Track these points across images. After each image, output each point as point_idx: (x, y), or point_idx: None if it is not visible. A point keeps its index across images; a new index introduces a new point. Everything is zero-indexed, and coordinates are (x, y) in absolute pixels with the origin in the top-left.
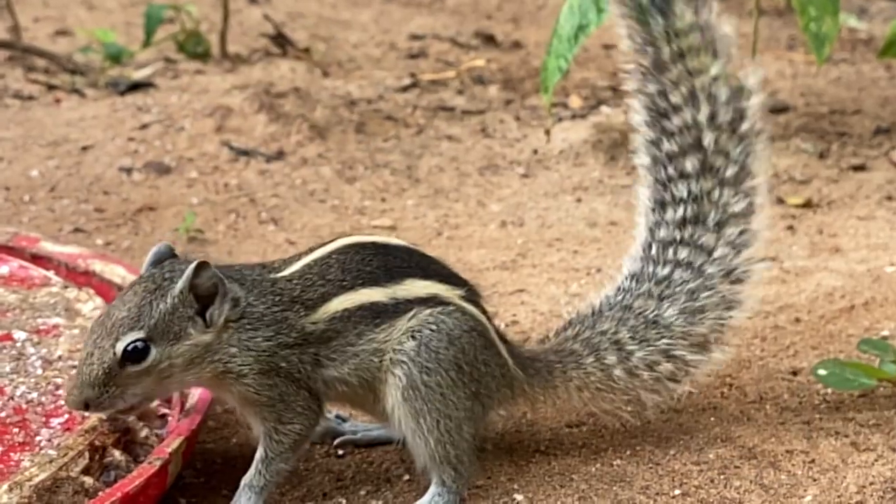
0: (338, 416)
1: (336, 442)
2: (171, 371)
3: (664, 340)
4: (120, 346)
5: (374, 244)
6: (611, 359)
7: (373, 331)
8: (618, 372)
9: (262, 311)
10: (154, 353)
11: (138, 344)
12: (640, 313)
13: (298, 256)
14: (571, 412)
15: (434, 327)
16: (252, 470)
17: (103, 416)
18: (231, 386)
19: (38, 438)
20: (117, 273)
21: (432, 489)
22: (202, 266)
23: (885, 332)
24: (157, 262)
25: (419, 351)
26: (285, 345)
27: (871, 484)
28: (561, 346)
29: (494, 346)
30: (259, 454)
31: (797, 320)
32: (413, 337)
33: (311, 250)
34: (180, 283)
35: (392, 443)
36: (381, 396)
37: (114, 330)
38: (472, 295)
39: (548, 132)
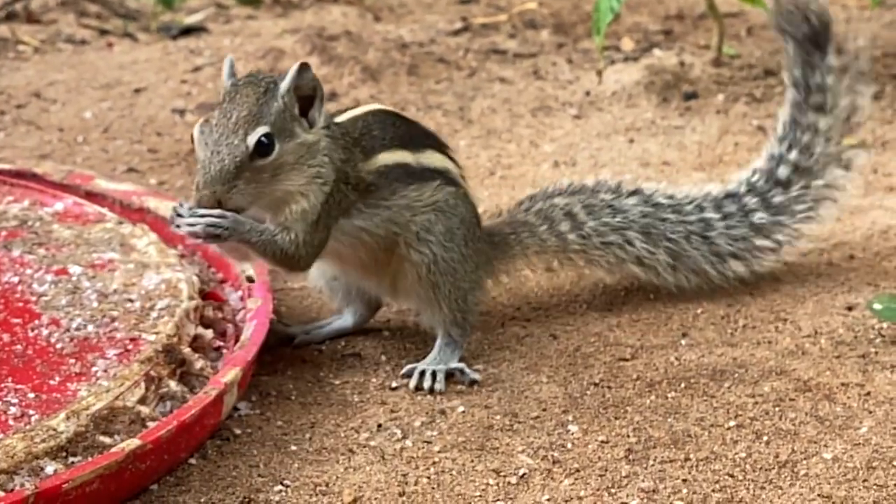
0: (280, 322)
1: (294, 343)
2: (282, 169)
3: (618, 218)
4: (252, 139)
5: (394, 113)
6: (564, 226)
7: (406, 188)
8: (572, 237)
9: (338, 134)
10: (277, 147)
11: (265, 138)
12: (597, 193)
13: (336, 112)
14: (623, 346)
15: (453, 210)
16: (255, 225)
17: (225, 214)
18: (300, 199)
19: (94, 369)
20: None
21: (440, 341)
22: (304, 67)
23: None
24: (233, 73)
25: (444, 231)
26: (346, 175)
27: None
28: (514, 219)
29: (480, 223)
30: (261, 227)
31: (852, 257)
32: (437, 216)
33: (346, 109)
34: (287, 83)
35: (347, 333)
36: (401, 266)
37: (239, 126)
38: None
39: (600, 73)
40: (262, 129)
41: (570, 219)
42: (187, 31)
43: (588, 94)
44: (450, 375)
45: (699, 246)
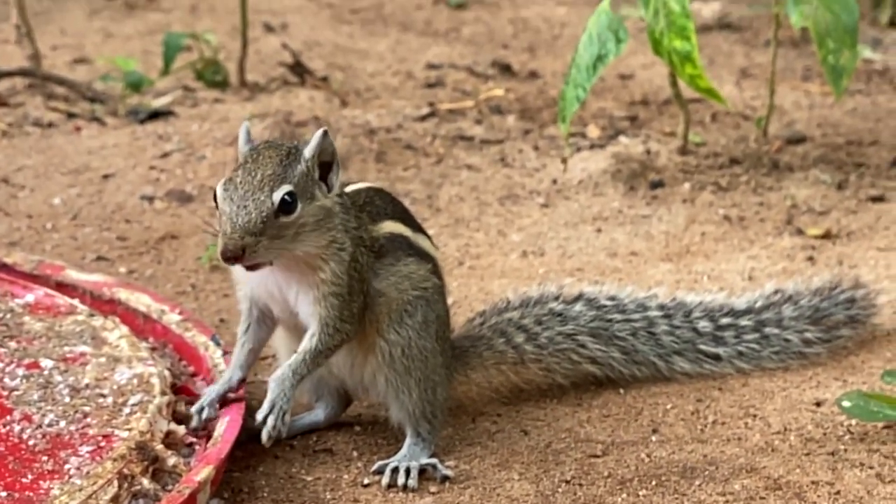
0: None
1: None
2: (304, 229)
3: (569, 326)
4: (277, 196)
5: (387, 192)
6: (519, 338)
7: (407, 259)
8: (528, 347)
9: (348, 202)
10: (299, 206)
11: (288, 196)
12: (545, 304)
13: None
14: (594, 442)
15: (435, 302)
16: (298, 357)
17: (244, 267)
18: (326, 264)
19: (66, 466)
20: (143, 301)
21: (409, 440)
22: (326, 134)
23: None
24: (249, 139)
25: (421, 321)
26: (362, 240)
27: None
28: (469, 333)
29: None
30: (307, 345)
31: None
32: (421, 303)
33: (347, 184)
34: (312, 147)
35: (319, 428)
36: (374, 347)
37: (265, 183)
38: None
39: (565, 161)
40: (287, 188)
41: (524, 331)
42: (155, 114)
43: (555, 181)
44: (422, 471)
45: (646, 342)
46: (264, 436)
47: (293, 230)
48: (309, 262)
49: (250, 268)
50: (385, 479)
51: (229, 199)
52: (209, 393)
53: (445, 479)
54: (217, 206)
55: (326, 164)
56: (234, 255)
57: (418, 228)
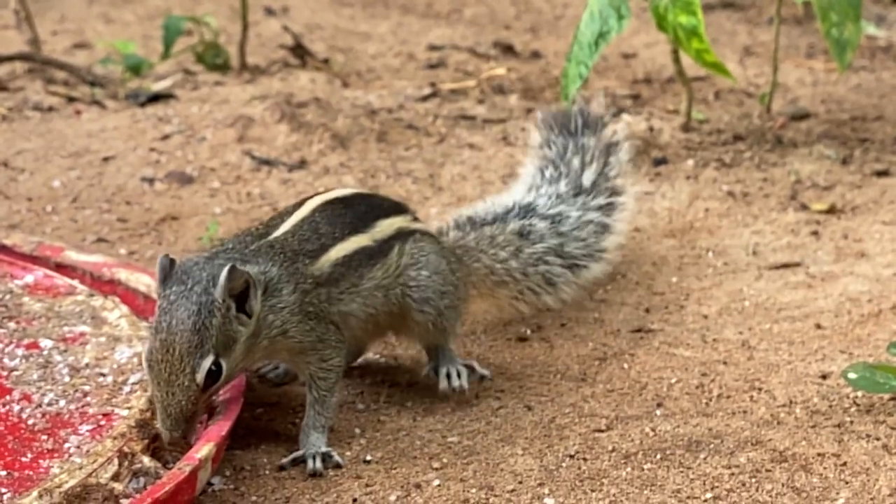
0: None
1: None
2: (235, 372)
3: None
4: (200, 377)
5: (338, 199)
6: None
7: (371, 270)
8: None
9: (277, 274)
10: (224, 367)
11: (213, 367)
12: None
13: (280, 218)
14: (598, 416)
15: (424, 256)
16: (310, 413)
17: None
18: (280, 345)
19: (66, 445)
20: (143, 282)
21: (439, 353)
22: (233, 271)
23: None
24: (165, 277)
25: (431, 276)
26: (305, 291)
27: None
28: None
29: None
30: (311, 398)
31: (824, 325)
32: (418, 270)
33: (288, 213)
34: (219, 293)
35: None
36: (402, 320)
37: (184, 363)
38: (412, 213)
39: None
40: (209, 360)
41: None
42: (155, 98)
43: None
44: (471, 371)
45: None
46: (309, 468)
47: (223, 382)
48: (269, 353)
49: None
50: (443, 384)
51: (156, 381)
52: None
53: (483, 377)
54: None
55: (243, 291)
56: (177, 441)
57: (371, 218)
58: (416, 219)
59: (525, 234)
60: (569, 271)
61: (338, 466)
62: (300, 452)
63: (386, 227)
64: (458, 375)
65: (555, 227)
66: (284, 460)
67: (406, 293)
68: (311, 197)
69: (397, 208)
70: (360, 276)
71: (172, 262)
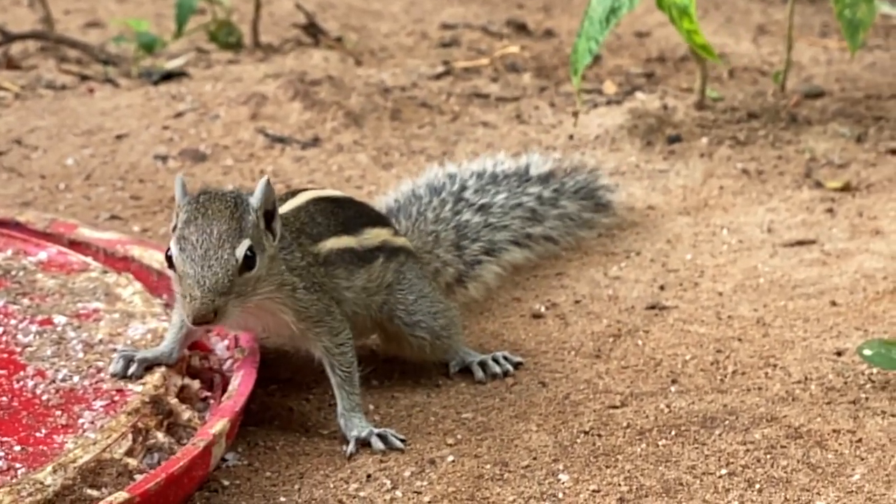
0: None
1: None
2: (259, 282)
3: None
4: (240, 252)
5: (330, 198)
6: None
7: (357, 270)
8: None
9: (289, 238)
10: (258, 260)
11: (249, 253)
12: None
13: (280, 199)
14: (613, 393)
15: (410, 279)
16: (341, 395)
17: (211, 327)
18: (286, 307)
19: (80, 421)
20: (156, 258)
21: (454, 358)
22: (270, 183)
23: None
24: (185, 191)
25: (417, 301)
26: (310, 263)
27: None
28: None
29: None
30: (336, 380)
31: (839, 302)
32: (403, 294)
33: (283, 199)
34: (259, 198)
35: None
36: (399, 341)
37: (224, 241)
38: (394, 226)
39: (576, 114)
40: (247, 242)
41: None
42: (168, 76)
43: (571, 137)
44: (505, 359)
45: None
46: (378, 445)
47: (252, 285)
48: (265, 308)
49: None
50: (479, 375)
51: (189, 259)
52: (143, 353)
53: (518, 364)
54: (174, 269)
55: (270, 211)
56: (206, 321)
57: (360, 225)
58: (396, 232)
59: None
60: None
61: (398, 449)
62: (361, 434)
63: (372, 236)
64: (501, 362)
65: None
66: (349, 448)
67: (394, 314)
68: (303, 189)
69: (381, 219)
70: (350, 273)
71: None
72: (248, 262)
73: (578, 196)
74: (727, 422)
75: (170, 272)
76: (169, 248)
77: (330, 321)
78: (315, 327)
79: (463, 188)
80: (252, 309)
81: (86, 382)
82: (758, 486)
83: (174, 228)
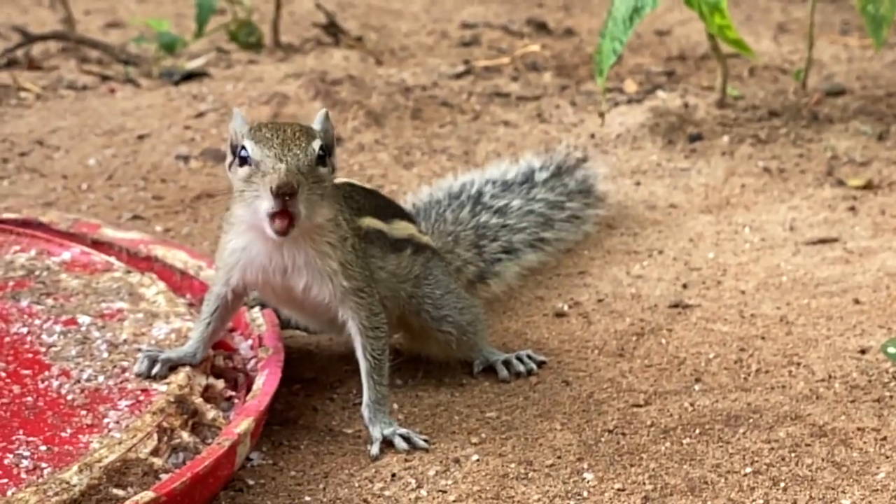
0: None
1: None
2: (325, 192)
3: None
4: (316, 144)
5: (360, 187)
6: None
7: (388, 255)
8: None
9: (338, 193)
10: (328, 162)
11: (322, 150)
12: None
13: None
14: (636, 391)
15: (433, 272)
16: (369, 384)
17: (275, 230)
18: (335, 254)
19: (105, 420)
20: (179, 258)
21: (478, 357)
22: (328, 116)
23: None
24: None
25: (444, 296)
26: (354, 231)
27: None
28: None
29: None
30: (366, 365)
31: (862, 300)
32: (431, 288)
33: None
34: (322, 122)
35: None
36: (426, 338)
37: (301, 136)
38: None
39: (602, 115)
40: (320, 142)
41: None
42: (189, 76)
43: (593, 136)
44: (529, 357)
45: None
46: (402, 446)
47: (320, 190)
48: (317, 249)
49: (282, 231)
50: (504, 374)
51: (269, 144)
52: (167, 353)
53: (542, 363)
54: (245, 161)
55: (327, 146)
56: (290, 191)
57: (390, 215)
58: (421, 230)
59: None
60: None
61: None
62: (385, 431)
63: (401, 228)
64: (523, 361)
65: None
66: (374, 449)
67: (422, 308)
68: None
69: (408, 215)
70: (383, 254)
71: None
72: (322, 159)
73: (581, 195)
74: (751, 420)
75: (239, 172)
76: (236, 153)
77: (369, 296)
78: (355, 296)
79: (480, 194)
80: (305, 244)
81: (111, 382)
82: (783, 484)
83: (230, 164)
